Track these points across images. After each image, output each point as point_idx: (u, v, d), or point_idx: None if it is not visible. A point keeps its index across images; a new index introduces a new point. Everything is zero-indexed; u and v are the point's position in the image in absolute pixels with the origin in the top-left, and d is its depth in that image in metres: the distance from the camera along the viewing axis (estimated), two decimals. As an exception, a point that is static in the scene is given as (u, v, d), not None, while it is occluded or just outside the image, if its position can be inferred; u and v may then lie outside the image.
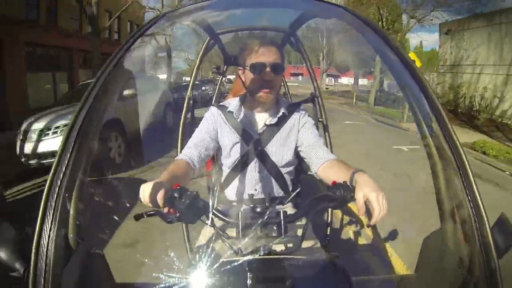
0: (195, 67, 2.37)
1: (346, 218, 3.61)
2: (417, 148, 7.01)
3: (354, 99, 19.98)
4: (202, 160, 1.37)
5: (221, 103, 1.57)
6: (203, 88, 15.61)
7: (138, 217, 0.94)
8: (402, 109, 12.39)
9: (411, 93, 1.03)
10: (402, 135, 10.10)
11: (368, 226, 1.05)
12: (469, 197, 0.81)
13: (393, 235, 3.31)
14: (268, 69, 1.33)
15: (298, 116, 1.49)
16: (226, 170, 1.52)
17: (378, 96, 18.17)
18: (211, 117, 1.49)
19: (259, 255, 0.84)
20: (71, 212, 0.87)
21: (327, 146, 1.98)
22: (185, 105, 2.09)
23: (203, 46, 2.37)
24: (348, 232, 3.46)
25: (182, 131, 1.96)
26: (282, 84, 4.06)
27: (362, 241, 3.36)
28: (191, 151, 1.36)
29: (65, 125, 5.36)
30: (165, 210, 0.94)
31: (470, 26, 13.92)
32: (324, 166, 1.32)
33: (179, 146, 1.88)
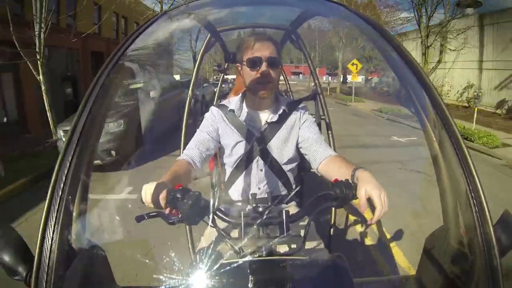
0: (196, 65, 2.36)
1: (351, 218, 3.60)
2: (335, 109, 15.26)
3: (328, 91, 26.91)
4: (203, 159, 1.38)
5: (221, 103, 1.57)
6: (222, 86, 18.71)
7: (139, 219, 0.94)
8: (351, 96, 19.87)
9: (412, 89, 1.02)
10: (337, 106, 18.31)
11: (369, 224, 1.03)
12: (472, 194, 0.80)
13: (398, 235, 3.29)
14: (264, 63, 1.34)
15: (299, 114, 1.50)
16: (229, 169, 1.52)
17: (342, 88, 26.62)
18: (211, 117, 1.50)
19: (261, 256, 0.84)
20: (74, 214, 0.87)
21: (329, 143, 1.97)
22: (187, 104, 2.08)
23: (204, 44, 2.36)
24: (353, 232, 3.45)
25: (185, 130, 1.96)
26: (283, 81, 4.05)
27: (367, 241, 3.35)
28: (192, 151, 1.37)
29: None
30: (167, 211, 0.94)
31: (406, 38, 21.03)
32: (325, 163, 1.32)
33: (182, 145, 1.88)
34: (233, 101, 1.51)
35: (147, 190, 0.95)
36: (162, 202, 0.93)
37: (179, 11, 1.44)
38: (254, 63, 1.35)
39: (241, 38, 1.56)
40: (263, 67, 1.34)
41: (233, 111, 1.47)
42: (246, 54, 1.38)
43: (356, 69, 19.05)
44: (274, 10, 2.23)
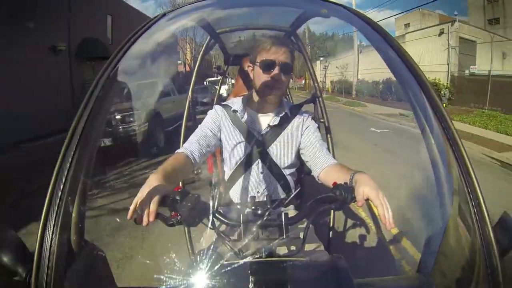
0: (195, 68, 2.36)
1: (350, 221, 3.58)
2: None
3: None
4: (202, 155, 1.37)
5: (224, 103, 1.57)
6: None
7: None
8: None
9: (410, 89, 1.03)
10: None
11: (390, 228, 0.99)
12: (471, 195, 0.80)
13: (398, 236, 3.28)
14: (277, 67, 1.34)
15: (302, 119, 1.49)
16: (228, 171, 1.51)
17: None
18: (215, 114, 1.49)
19: (261, 258, 0.84)
20: (73, 215, 0.86)
21: (328, 147, 1.98)
22: (186, 106, 2.08)
23: (204, 46, 2.36)
24: (352, 234, 3.45)
25: (184, 133, 1.96)
26: None
27: (366, 242, 3.33)
28: (193, 145, 1.36)
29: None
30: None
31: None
32: (326, 171, 1.32)
33: (181, 146, 1.88)
34: (236, 102, 1.51)
35: (141, 193, 0.93)
36: (151, 216, 0.87)
37: (178, 12, 1.44)
38: (267, 66, 1.35)
39: (255, 39, 1.56)
40: (276, 71, 1.34)
41: (236, 111, 1.46)
42: (261, 55, 1.38)
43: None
44: (274, 12, 2.23)
